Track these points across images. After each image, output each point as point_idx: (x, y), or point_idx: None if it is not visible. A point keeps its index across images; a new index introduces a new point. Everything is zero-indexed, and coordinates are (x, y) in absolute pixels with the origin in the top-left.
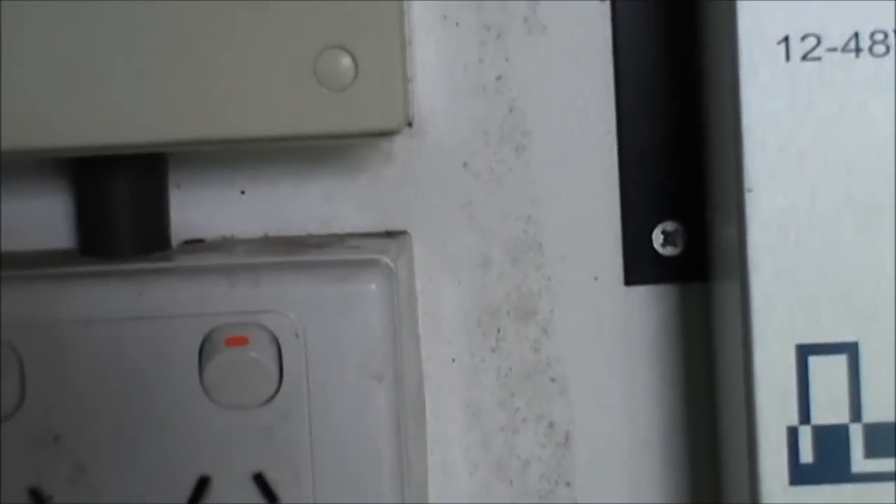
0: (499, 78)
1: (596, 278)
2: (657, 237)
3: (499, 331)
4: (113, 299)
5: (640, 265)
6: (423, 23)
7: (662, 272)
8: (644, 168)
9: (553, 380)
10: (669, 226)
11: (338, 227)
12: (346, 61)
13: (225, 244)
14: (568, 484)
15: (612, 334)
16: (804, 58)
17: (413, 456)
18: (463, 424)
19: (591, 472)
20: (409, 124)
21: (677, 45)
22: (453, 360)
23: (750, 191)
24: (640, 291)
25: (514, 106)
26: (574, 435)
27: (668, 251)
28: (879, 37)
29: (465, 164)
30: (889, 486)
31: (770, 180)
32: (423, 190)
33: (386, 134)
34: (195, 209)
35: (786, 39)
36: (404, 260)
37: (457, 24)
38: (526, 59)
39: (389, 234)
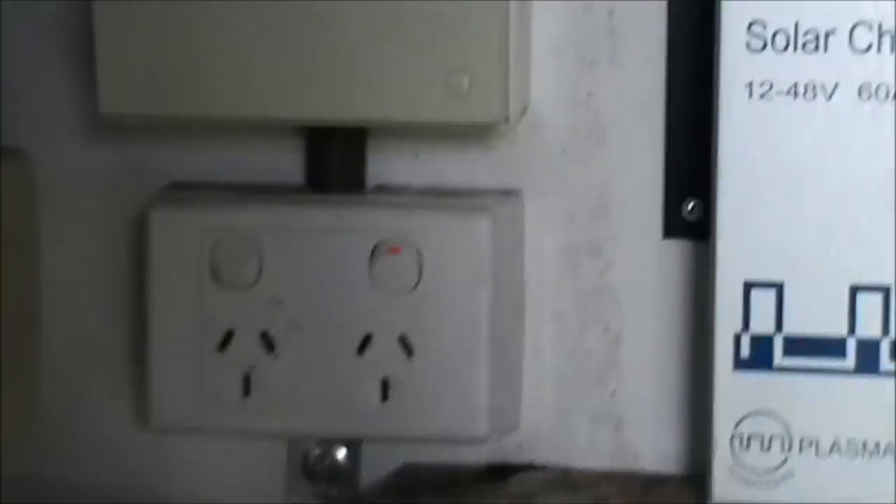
0: (589, 94)
1: (644, 232)
2: (688, 208)
3: (579, 263)
4: (322, 218)
5: (676, 220)
6: (539, 54)
7: (688, 231)
8: (680, 160)
9: (612, 296)
10: (692, 201)
11: (475, 185)
12: (466, 80)
13: (401, 190)
14: (616, 369)
15: (653, 270)
16: (762, 97)
17: (510, 338)
18: (549, 325)
19: (633, 364)
20: (507, 120)
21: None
22: (545, 280)
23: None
24: (672, 242)
25: (597, 115)
26: (623, 337)
27: (691, 217)
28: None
29: (562, 150)
30: (801, 375)
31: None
32: (534, 166)
33: (489, 126)
34: (385, 166)
35: (749, 84)
36: (514, 209)
37: (561, 56)
38: (609, 84)
39: (507, 192)
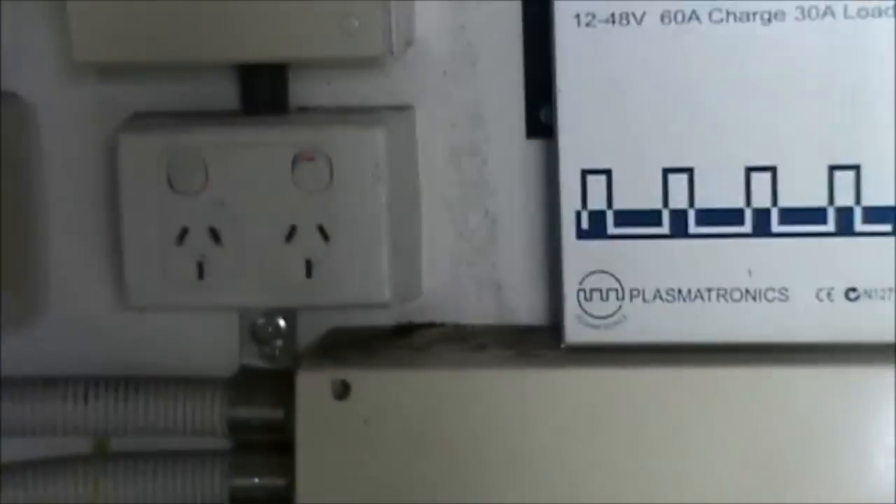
0: (462, 26)
1: (511, 134)
2: (542, 114)
3: (460, 161)
4: (253, 135)
5: (535, 124)
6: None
7: (543, 132)
8: (535, 76)
9: (489, 187)
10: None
11: (375, 103)
12: (356, 22)
13: (316, 110)
14: (494, 244)
15: (519, 164)
16: (587, 25)
17: (409, 224)
18: (441, 212)
19: (507, 239)
20: (392, 52)
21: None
22: (436, 176)
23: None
24: (533, 142)
25: (470, 43)
26: (498, 218)
27: (545, 121)
28: None
29: (444, 72)
30: (628, 240)
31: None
32: (422, 86)
33: (377, 57)
34: (305, 92)
35: (577, 16)
36: (407, 121)
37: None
38: (478, 18)
39: (401, 108)
